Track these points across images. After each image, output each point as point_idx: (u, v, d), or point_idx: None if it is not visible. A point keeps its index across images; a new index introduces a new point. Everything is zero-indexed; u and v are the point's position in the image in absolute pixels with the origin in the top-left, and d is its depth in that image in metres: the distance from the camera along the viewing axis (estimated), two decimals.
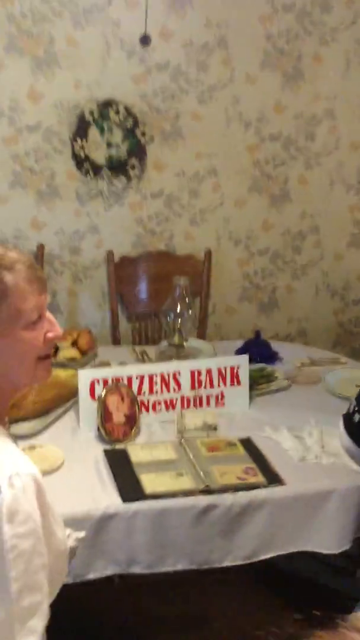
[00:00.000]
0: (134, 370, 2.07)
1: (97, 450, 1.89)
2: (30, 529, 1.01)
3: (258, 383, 2.31)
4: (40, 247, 2.81)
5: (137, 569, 1.71)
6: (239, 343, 2.59)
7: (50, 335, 1.16)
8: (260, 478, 1.80)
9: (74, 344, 2.42)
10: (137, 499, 1.69)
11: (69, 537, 1.29)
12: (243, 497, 1.74)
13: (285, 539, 1.76)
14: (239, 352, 2.43)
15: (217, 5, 2.76)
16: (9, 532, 0.98)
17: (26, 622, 1.00)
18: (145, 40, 1.83)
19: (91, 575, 1.69)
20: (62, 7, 2.60)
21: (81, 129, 2.75)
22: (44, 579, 1.04)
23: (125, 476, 1.77)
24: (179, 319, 2.25)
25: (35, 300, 1.11)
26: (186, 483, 1.76)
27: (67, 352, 2.37)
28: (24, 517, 1.00)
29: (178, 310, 2.24)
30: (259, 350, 2.53)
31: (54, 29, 2.63)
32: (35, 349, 1.13)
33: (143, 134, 2.80)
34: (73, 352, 2.38)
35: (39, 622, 1.02)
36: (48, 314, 1.17)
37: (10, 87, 2.66)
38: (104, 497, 1.70)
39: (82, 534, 1.35)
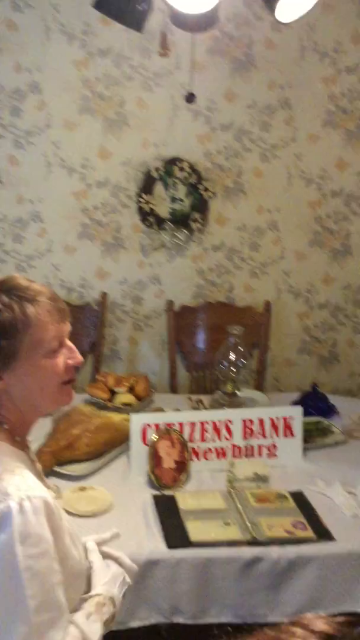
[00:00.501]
0: (186, 416, 2.09)
1: (146, 495, 1.91)
2: (43, 550, 1.05)
3: (313, 436, 2.28)
4: (104, 296, 2.92)
5: (180, 619, 1.69)
6: (296, 395, 2.57)
7: (70, 362, 1.22)
8: (309, 533, 1.76)
9: (131, 389, 2.47)
10: (182, 546, 1.69)
11: (120, 581, 1.30)
12: (291, 551, 1.70)
13: (333, 597, 1.69)
14: (295, 404, 2.41)
15: (281, 68, 2.87)
16: (21, 554, 1.02)
17: (45, 636, 1.04)
18: (190, 98, 1.93)
19: (134, 623, 1.68)
20: (132, 71, 2.78)
21: (147, 185, 2.88)
22: (62, 595, 1.08)
23: (171, 523, 1.78)
24: (233, 368, 2.26)
25: (55, 329, 1.17)
26: (233, 533, 1.74)
27: (124, 397, 2.42)
28: (36, 540, 1.05)
29: (232, 358, 2.25)
30: (315, 403, 2.50)
31: (125, 91, 2.80)
32: (56, 375, 1.20)
33: (206, 189, 2.90)
34: (129, 398, 2.43)
35: (58, 635, 1.06)
36: (68, 342, 1.24)
37: (82, 146, 2.83)
38: (149, 542, 1.71)
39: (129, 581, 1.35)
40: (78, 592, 1.20)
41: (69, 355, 1.23)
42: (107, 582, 1.27)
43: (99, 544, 1.37)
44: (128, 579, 1.34)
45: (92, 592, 1.23)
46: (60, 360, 1.21)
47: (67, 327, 1.23)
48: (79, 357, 1.25)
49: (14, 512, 1.04)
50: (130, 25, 1.60)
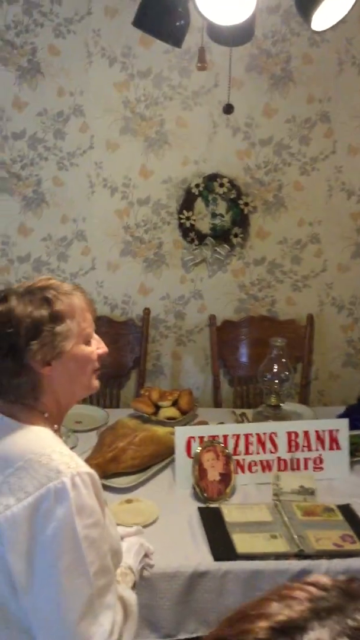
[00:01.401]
0: (230, 429, 2.09)
1: (191, 508, 1.91)
2: (96, 520, 1.16)
3: None
4: (147, 312, 2.96)
5: None
6: (341, 409, 2.53)
7: (99, 351, 1.36)
8: (358, 546, 1.73)
9: (175, 403, 2.49)
10: (229, 559, 1.68)
11: (135, 550, 1.47)
12: (339, 564, 1.68)
13: None
14: (341, 417, 2.38)
15: (319, 82, 2.88)
16: (80, 524, 1.12)
17: (103, 598, 1.15)
18: (228, 109, 1.96)
19: (181, 636, 1.68)
20: (172, 91, 2.83)
21: (187, 201, 2.92)
22: (110, 561, 1.19)
23: (217, 535, 1.77)
24: (276, 380, 2.25)
25: (91, 318, 1.33)
26: (280, 546, 1.72)
27: (168, 411, 2.44)
28: (90, 511, 1.15)
29: (275, 370, 2.25)
30: None
31: (165, 111, 2.85)
32: (92, 361, 1.34)
33: (246, 204, 2.92)
34: (173, 412, 2.44)
35: (112, 597, 1.18)
36: (95, 334, 1.38)
37: (124, 165, 2.90)
38: (196, 554, 1.71)
39: (152, 562, 1.55)
40: (115, 567, 1.30)
41: (98, 345, 1.37)
42: (123, 553, 1.39)
43: (123, 536, 1.50)
44: (147, 546, 1.51)
45: None
46: (94, 348, 1.35)
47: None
48: (106, 347, 1.39)
49: (69, 487, 1.13)
50: (169, 41, 1.65)
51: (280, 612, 0.40)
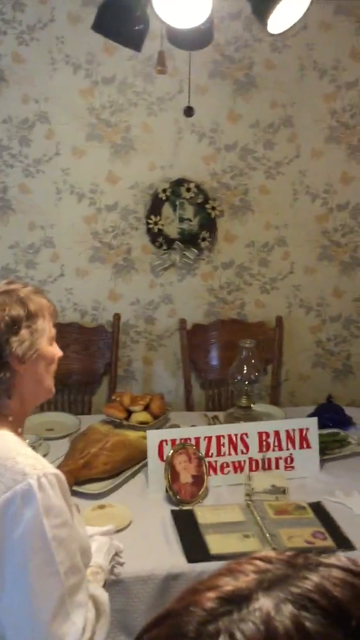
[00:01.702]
0: (201, 431, 2.10)
1: (164, 511, 1.91)
2: (64, 520, 1.17)
3: (330, 448, 2.27)
4: (117, 317, 2.96)
5: None
6: (312, 408, 2.57)
7: (59, 354, 1.41)
8: (329, 542, 1.76)
9: (147, 408, 2.49)
10: (202, 560, 1.69)
11: (105, 550, 1.48)
12: None
13: None
14: (310, 416, 2.41)
15: (282, 87, 2.93)
16: (48, 525, 1.13)
17: (74, 597, 1.16)
18: (189, 111, 2.00)
19: None
20: (137, 97, 2.85)
21: (155, 207, 2.93)
22: (80, 560, 1.20)
23: (191, 537, 1.78)
24: (246, 381, 2.27)
25: (53, 320, 1.37)
26: (252, 545, 1.74)
27: (140, 415, 2.44)
28: (58, 511, 1.16)
29: (245, 372, 2.27)
30: (331, 415, 2.50)
31: (130, 117, 2.87)
32: (54, 362, 1.38)
33: (213, 208, 2.95)
34: (145, 416, 2.44)
35: (84, 596, 1.19)
36: None
37: (90, 171, 2.90)
38: (169, 557, 1.71)
39: (122, 560, 1.57)
40: (85, 566, 1.30)
41: (56, 349, 1.41)
42: (94, 552, 1.41)
43: (93, 535, 1.52)
44: (117, 544, 1.53)
45: None
46: (55, 350, 1.40)
47: None
48: (60, 351, 1.43)
49: (35, 488, 1.14)
50: (129, 45, 1.66)
51: (228, 583, 0.41)
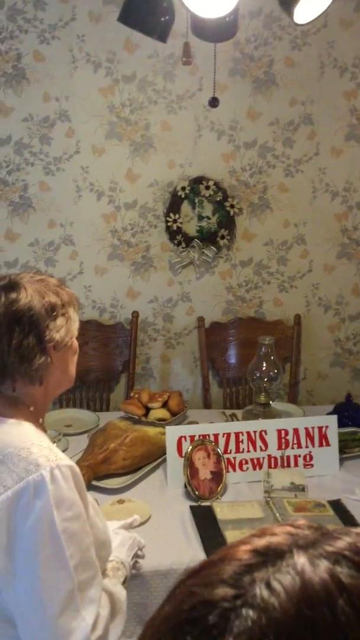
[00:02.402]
0: (220, 428, 2.10)
1: (183, 506, 1.92)
2: (77, 513, 1.15)
3: (349, 446, 2.26)
4: (135, 315, 2.97)
5: None
6: (330, 407, 2.56)
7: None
8: None
9: (165, 405, 2.50)
10: None
11: (129, 545, 1.47)
12: None
13: None
14: (330, 415, 2.40)
15: (302, 85, 2.92)
16: (58, 518, 1.12)
17: (85, 592, 1.14)
18: (213, 102, 2.00)
19: None
20: (157, 96, 2.86)
21: (174, 205, 2.94)
22: (94, 555, 1.18)
23: (210, 532, 1.78)
24: (265, 378, 2.27)
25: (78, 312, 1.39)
26: None
27: (158, 412, 2.44)
28: (70, 504, 1.14)
29: (264, 369, 2.26)
30: (350, 413, 2.48)
31: (150, 115, 2.88)
32: (77, 353, 1.40)
33: (232, 206, 2.94)
34: (163, 413, 2.45)
35: (96, 592, 1.17)
36: None
37: (110, 169, 2.91)
38: (189, 551, 1.71)
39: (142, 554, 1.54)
40: (103, 561, 1.30)
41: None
42: (116, 547, 1.39)
43: (122, 527, 1.52)
44: (139, 539, 1.50)
45: None
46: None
47: None
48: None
49: (47, 480, 1.13)
50: (154, 35, 1.67)
51: (262, 540, 0.43)
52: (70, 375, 1.38)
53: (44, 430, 1.33)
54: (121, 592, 1.31)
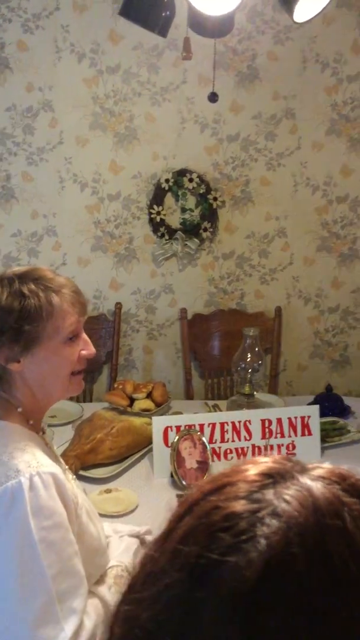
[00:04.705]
0: (206, 417, 2.13)
1: (170, 495, 1.95)
2: (56, 522, 1.11)
3: (330, 436, 2.31)
4: (118, 306, 2.98)
5: None
6: (310, 398, 2.61)
7: (84, 352, 1.29)
8: None
9: (149, 396, 2.52)
10: None
11: (134, 550, 1.42)
12: None
13: None
14: (310, 405, 2.45)
15: (284, 80, 2.95)
16: (35, 527, 1.07)
17: (66, 603, 1.09)
18: (213, 97, 2.02)
19: None
20: (141, 87, 2.87)
21: (157, 197, 2.95)
22: (79, 564, 1.13)
23: None
24: (250, 369, 2.31)
25: (74, 320, 1.25)
26: None
27: (142, 403, 2.47)
28: (49, 512, 1.10)
29: (248, 360, 2.30)
30: (330, 404, 2.54)
31: (134, 107, 2.88)
32: (70, 363, 1.27)
33: (215, 199, 2.97)
34: (148, 404, 2.48)
35: (80, 602, 1.11)
36: (84, 335, 1.32)
37: (93, 160, 2.91)
38: None
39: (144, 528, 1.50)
40: (99, 568, 1.26)
41: (84, 347, 1.30)
42: (121, 553, 1.35)
43: (133, 536, 1.45)
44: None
45: (109, 565, 1.31)
46: (76, 350, 1.28)
47: (84, 320, 1.32)
48: (93, 350, 1.32)
49: (25, 487, 1.09)
50: (156, 30, 1.68)
51: (261, 466, 0.51)
52: (58, 385, 1.28)
53: (37, 432, 1.28)
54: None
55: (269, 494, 0.47)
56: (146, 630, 0.45)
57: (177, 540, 0.47)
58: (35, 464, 1.13)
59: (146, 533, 1.51)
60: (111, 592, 1.26)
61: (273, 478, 0.49)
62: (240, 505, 0.46)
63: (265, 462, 0.51)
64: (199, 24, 1.63)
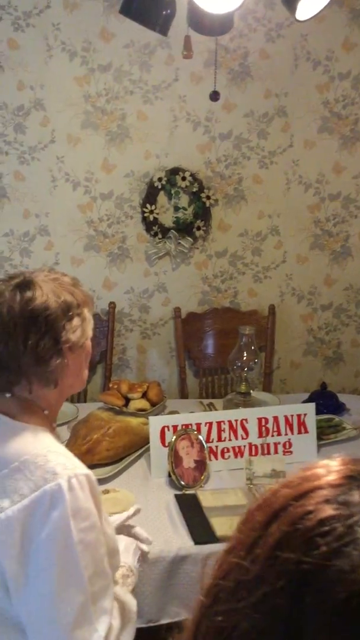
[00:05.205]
0: (202, 417, 2.13)
1: (168, 495, 1.94)
2: (92, 523, 1.13)
3: (326, 433, 2.32)
4: (112, 305, 2.97)
5: None
6: (305, 396, 2.61)
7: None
8: None
9: (144, 395, 2.52)
10: (209, 542, 1.72)
11: (133, 549, 1.44)
12: None
13: None
14: (305, 402, 2.45)
15: (276, 77, 2.95)
16: (75, 528, 1.09)
17: (98, 603, 1.12)
18: (214, 96, 2.02)
19: (164, 620, 1.71)
20: (133, 85, 2.85)
21: (150, 195, 2.94)
22: (107, 565, 1.16)
23: (196, 520, 1.81)
24: (246, 368, 2.31)
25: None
26: None
27: (138, 403, 2.46)
28: (86, 514, 1.12)
29: (244, 358, 2.30)
30: (325, 401, 2.54)
31: (126, 105, 2.87)
32: (89, 357, 1.36)
33: (208, 197, 2.96)
34: (144, 403, 2.47)
35: (109, 602, 1.15)
36: None
37: (86, 159, 2.90)
38: (176, 539, 1.74)
39: (146, 548, 1.51)
40: (114, 568, 1.28)
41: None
42: (121, 553, 1.36)
43: (125, 520, 1.49)
44: (142, 547, 1.46)
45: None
46: (89, 343, 1.35)
47: None
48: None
49: (65, 489, 1.10)
50: (156, 29, 1.67)
51: (339, 469, 0.51)
52: (83, 378, 1.34)
53: (57, 435, 1.30)
54: (131, 602, 1.28)
55: (356, 495, 0.47)
56: None
57: (271, 547, 0.47)
58: (71, 466, 1.15)
59: (135, 513, 1.54)
60: (122, 591, 1.28)
61: (358, 481, 0.49)
62: (332, 509, 0.46)
63: (342, 465, 0.50)
64: (199, 22, 1.63)
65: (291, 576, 0.44)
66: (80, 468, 1.17)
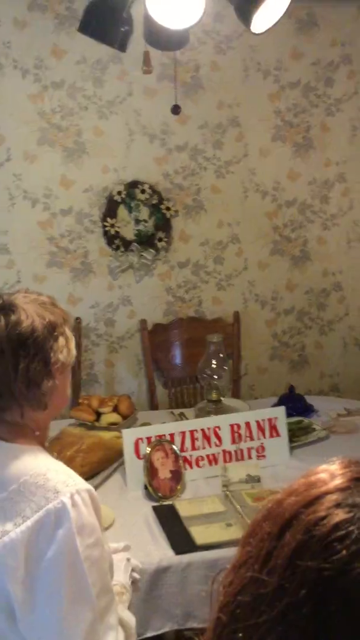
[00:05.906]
0: (175, 427, 2.14)
1: (145, 507, 1.94)
2: (96, 539, 1.13)
3: (297, 435, 2.35)
4: (78, 321, 2.96)
5: (193, 624, 1.72)
6: (274, 400, 2.65)
7: None
8: None
9: (115, 409, 2.51)
10: (190, 551, 1.73)
11: (124, 566, 1.43)
12: None
13: None
14: (275, 406, 2.49)
15: (228, 88, 3.00)
16: (81, 545, 1.08)
17: (105, 619, 1.12)
18: (175, 110, 2.05)
19: (149, 633, 1.70)
20: (87, 101, 2.86)
21: (110, 209, 2.95)
22: (110, 580, 1.16)
23: (175, 530, 1.82)
24: (215, 375, 2.33)
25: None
26: (236, 532, 1.79)
27: (109, 417, 2.45)
28: (90, 529, 1.12)
29: (214, 366, 2.32)
30: (294, 404, 2.58)
31: (82, 121, 2.88)
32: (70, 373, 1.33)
33: (167, 209, 2.99)
34: (115, 417, 2.46)
35: (114, 618, 1.14)
36: None
37: (44, 176, 2.89)
38: (157, 551, 1.74)
39: (138, 576, 1.49)
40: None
41: None
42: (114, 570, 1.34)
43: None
44: (134, 562, 1.46)
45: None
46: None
47: None
48: None
49: (68, 506, 1.09)
50: (115, 45, 1.70)
51: (345, 472, 0.53)
52: (67, 396, 1.31)
53: (50, 453, 1.28)
54: (130, 618, 1.27)
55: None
56: None
57: (288, 557, 0.46)
58: (73, 483, 1.13)
59: (125, 549, 1.50)
60: (121, 608, 1.27)
61: None
62: (344, 513, 0.46)
63: (345, 468, 0.51)
64: (156, 37, 1.66)
65: (313, 584, 0.44)
66: (82, 484, 1.15)
